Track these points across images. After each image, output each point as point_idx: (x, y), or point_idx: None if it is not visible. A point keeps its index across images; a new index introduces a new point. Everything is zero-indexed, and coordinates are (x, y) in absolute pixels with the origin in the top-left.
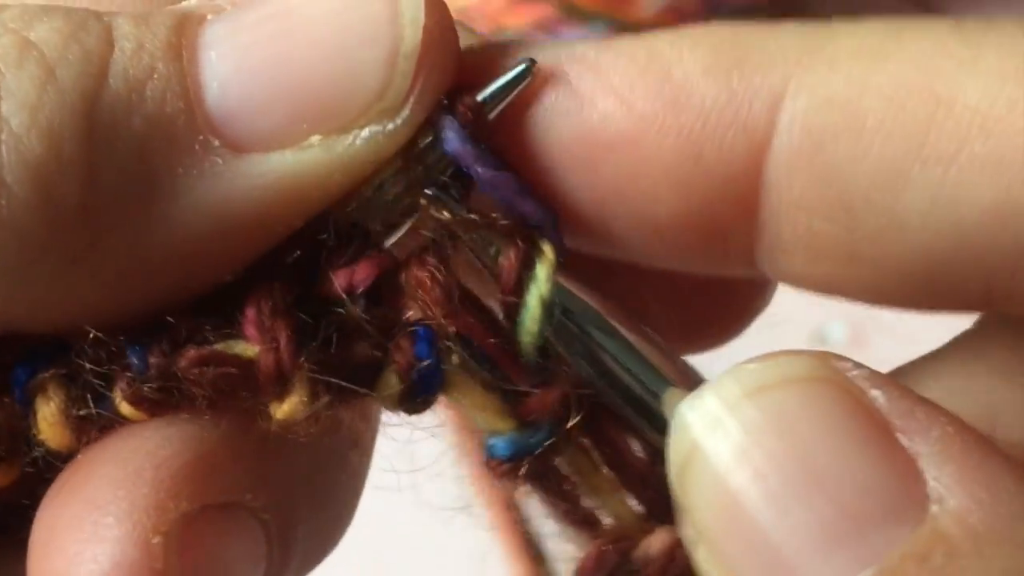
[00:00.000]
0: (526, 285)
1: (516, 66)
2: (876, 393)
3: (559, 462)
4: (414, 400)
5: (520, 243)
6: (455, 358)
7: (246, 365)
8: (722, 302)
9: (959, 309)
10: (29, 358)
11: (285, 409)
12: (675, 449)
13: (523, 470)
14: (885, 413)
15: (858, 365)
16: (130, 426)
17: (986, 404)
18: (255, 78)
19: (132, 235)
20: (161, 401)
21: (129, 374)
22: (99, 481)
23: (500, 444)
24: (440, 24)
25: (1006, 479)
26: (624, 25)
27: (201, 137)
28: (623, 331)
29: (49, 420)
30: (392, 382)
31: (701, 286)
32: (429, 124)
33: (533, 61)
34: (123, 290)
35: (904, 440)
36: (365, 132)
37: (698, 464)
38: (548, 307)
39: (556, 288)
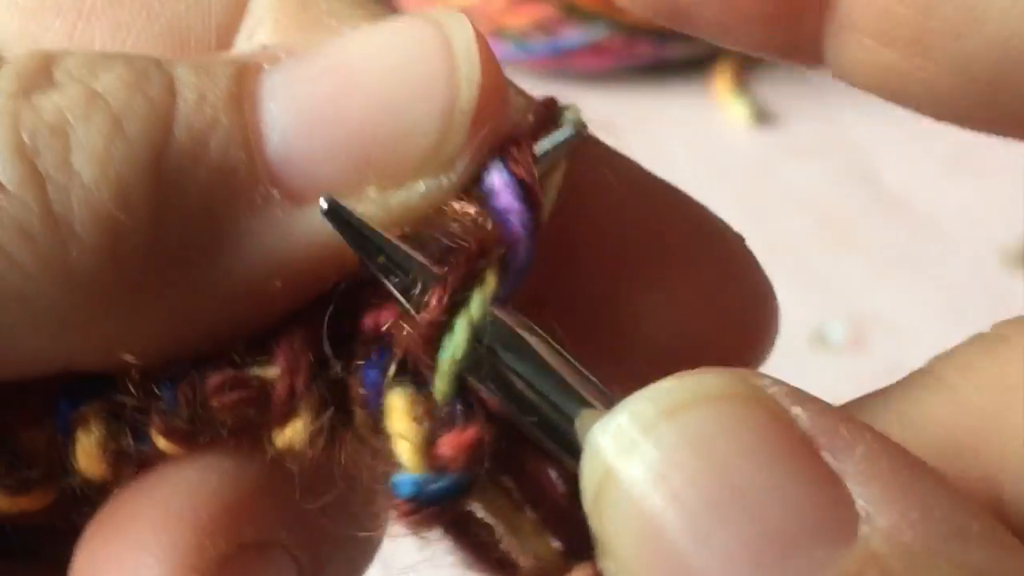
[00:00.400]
0: (457, 310)
1: (565, 128)
2: (797, 410)
3: (475, 506)
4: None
5: (463, 269)
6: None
7: (263, 387)
8: (729, 337)
9: (1013, 132)
10: (74, 391)
11: (286, 434)
12: (588, 475)
13: (429, 514)
14: (807, 430)
15: (777, 382)
16: (169, 464)
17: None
18: (314, 130)
19: (192, 283)
20: (192, 432)
21: (162, 407)
22: (141, 521)
23: (404, 484)
24: (494, 82)
25: (937, 495)
26: (624, 25)
27: (261, 188)
28: (536, 349)
29: (88, 452)
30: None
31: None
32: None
33: (583, 125)
34: (177, 333)
35: (828, 458)
36: (420, 186)
37: (612, 490)
38: (475, 333)
39: (490, 318)
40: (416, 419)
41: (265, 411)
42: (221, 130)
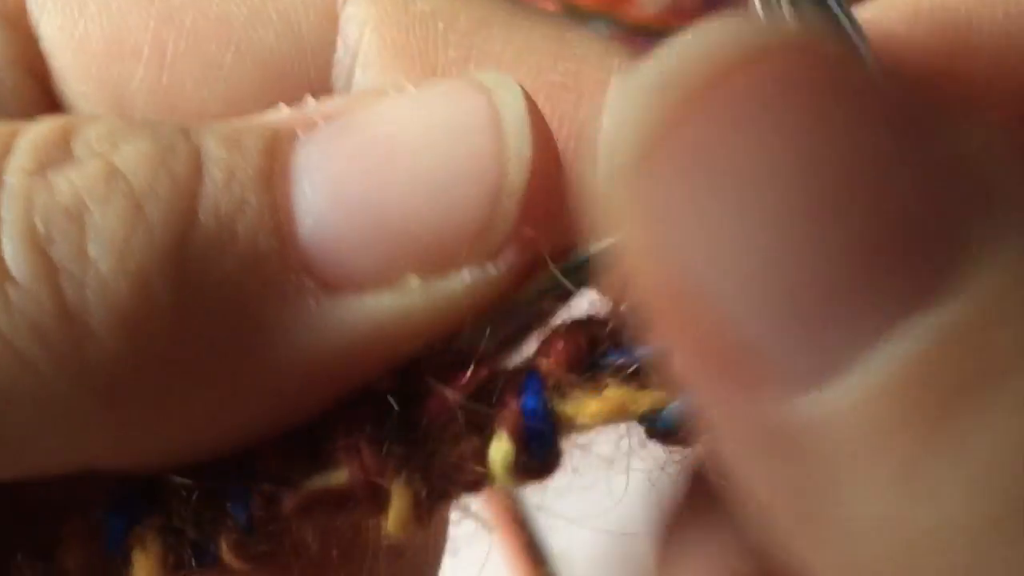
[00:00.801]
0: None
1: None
2: (890, 79)
3: None
4: (534, 458)
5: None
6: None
7: (344, 493)
8: None
9: None
10: (122, 504)
11: (392, 520)
12: (635, 119)
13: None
14: (914, 106)
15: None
16: None
17: None
18: (351, 213)
19: (219, 381)
20: (271, 553)
21: (232, 525)
22: None
23: (663, 418)
24: (546, 160)
25: None
26: (625, 25)
27: (293, 277)
28: None
29: (147, 573)
30: (502, 451)
31: None
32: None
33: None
34: (209, 433)
35: (949, 139)
36: (466, 275)
37: (681, 142)
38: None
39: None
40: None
41: (355, 512)
42: (250, 213)
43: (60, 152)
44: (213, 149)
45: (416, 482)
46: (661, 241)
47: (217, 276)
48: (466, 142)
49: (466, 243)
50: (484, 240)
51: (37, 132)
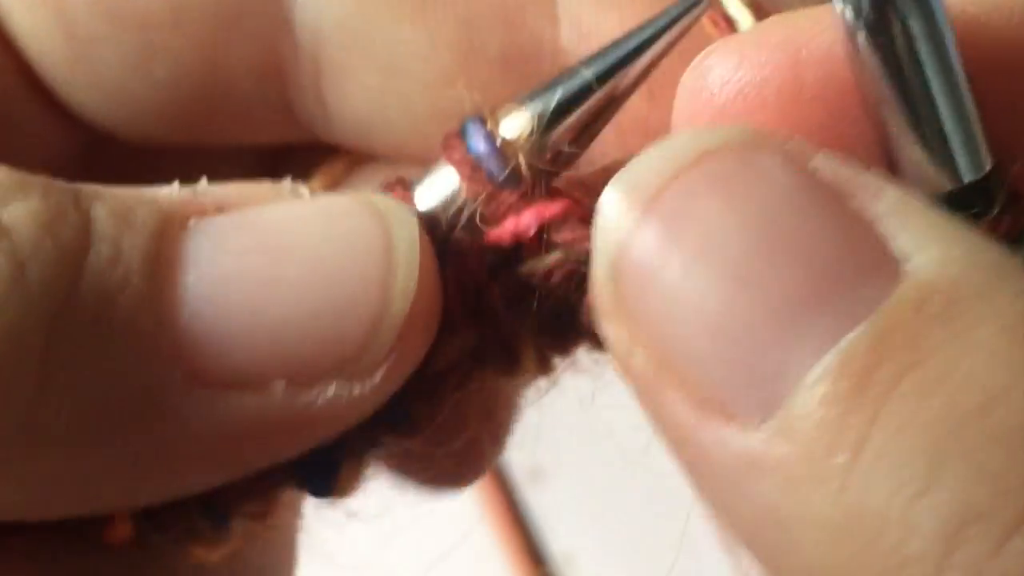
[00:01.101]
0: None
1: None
2: (819, 160)
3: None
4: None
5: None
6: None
7: (471, 357)
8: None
9: None
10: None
11: (522, 379)
12: (602, 246)
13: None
14: (832, 180)
15: (789, 137)
16: None
17: None
18: (229, 313)
19: (82, 449)
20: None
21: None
22: None
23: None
24: (428, 298)
25: (973, 237)
26: None
27: (164, 363)
28: None
29: (351, 487)
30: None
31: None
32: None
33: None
34: (80, 496)
35: (858, 203)
36: (330, 391)
37: (635, 249)
38: None
39: None
40: None
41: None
42: (132, 294)
43: None
44: (103, 221)
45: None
46: (641, 324)
47: (89, 349)
48: (356, 265)
49: (339, 361)
50: (357, 362)
51: None
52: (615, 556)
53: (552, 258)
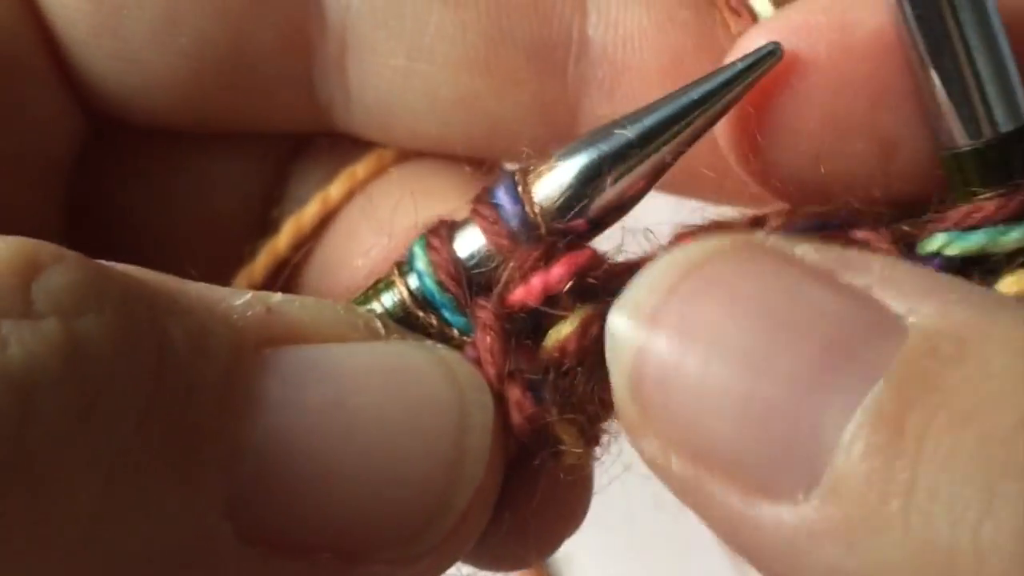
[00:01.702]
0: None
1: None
2: (801, 248)
3: None
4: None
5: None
6: None
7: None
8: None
9: None
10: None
11: (571, 459)
12: (617, 364)
13: None
14: (818, 263)
15: (770, 233)
16: None
17: None
18: (294, 475)
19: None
20: None
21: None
22: None
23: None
24: (491, 486)
25: (963, 287)
26: None
27: (220, 512)
28: None
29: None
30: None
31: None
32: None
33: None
34: None
35: (848, 277)
36: (375, 570)
37: (650, 365)
38: None
39: None
40: None
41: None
42: (199, 435)
43: (18, 300)
44: (177, 344)
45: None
46: (670, 430)
47: (150, 492)
48: (427, 444)
49: (392, 544)
50: (409, 546)
51: (2, 256)
52: (615, 556)
53: (565, 329)
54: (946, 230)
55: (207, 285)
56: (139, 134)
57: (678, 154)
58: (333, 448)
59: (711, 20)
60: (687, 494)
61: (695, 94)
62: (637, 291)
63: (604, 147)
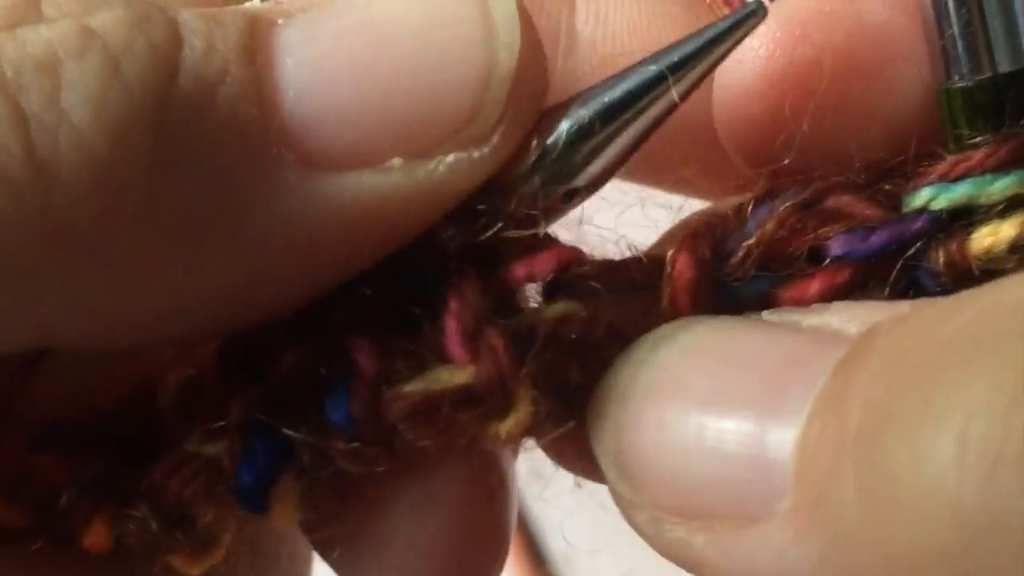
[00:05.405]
0: None
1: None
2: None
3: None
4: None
5: None
6: None
7: (464, 393)
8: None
9: None
10: (249, 463)
11: (509, 426)
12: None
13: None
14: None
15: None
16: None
17: None
18: (335, 91)
19: (196, 247)
20: (384, 455)
21: (341, 440)
22: None
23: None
24: (534, 50)
25: (920, 305)
26: None
27: (274, 150)
28: None
29: (288, 516)
30: None
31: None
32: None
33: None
34: (185, 306)
35: (806, 321)
36: (450, 158)
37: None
38: None
39: None
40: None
41: (473, 413)
42: (231, 83)
43: (30, 12)
44: (192, 22)
45: (540, 392)
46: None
47: (196, 139)
48: (455, 28)
49: (453, 127)
50: (473, 124)
51: None
52: (615, 556)
53: (560, 308)
54: (931, 184)
55: None
56: None
57: (653, 128)
58: (364, 59)
59: (701, 16)
60: (665, 548)
61: (676, 55)
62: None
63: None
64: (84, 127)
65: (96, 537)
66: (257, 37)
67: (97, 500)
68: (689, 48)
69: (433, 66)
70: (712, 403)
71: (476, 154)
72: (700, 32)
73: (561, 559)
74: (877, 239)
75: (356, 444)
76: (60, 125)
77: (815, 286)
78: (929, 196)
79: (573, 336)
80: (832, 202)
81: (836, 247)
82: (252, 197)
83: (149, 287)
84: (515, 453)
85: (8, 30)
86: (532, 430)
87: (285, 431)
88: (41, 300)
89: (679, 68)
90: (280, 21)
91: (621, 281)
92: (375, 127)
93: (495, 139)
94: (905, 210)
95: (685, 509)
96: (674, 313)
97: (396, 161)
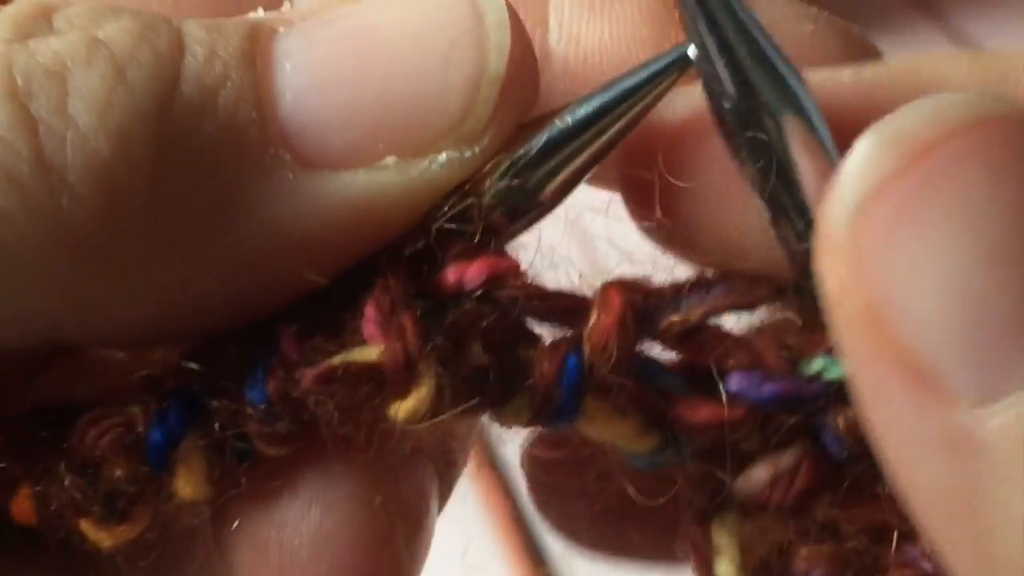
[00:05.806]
0: None
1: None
2: None
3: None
4: (546, 421)
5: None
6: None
7: (371, 370)
8: None
9: None
10: (160, 420)
11: (409, 406)
12: (857, 176)
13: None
14: None
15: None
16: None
17: None
18: (331, 93)
19: (196, 246)
20: (295, 434)
21: (257, 417)
22: None
23: (641, 462)
24: (524, 52)
25: None
26: None
27: (272, 150)
28: None
29: (192, 484)
30: (523, 400)
31: None
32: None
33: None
34: (178, 302)
35: None
36: (442, 157)
37: (890, 197)
38: None
39: None
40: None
41: (378, 390)
42: (231, 87)
43: (41, 25)
44: (195, 31)
45: (443, 372)
46: (869, 272)
47: (197, 142)
48: (447, 30)
49: (446, 127)
50: (463, 124)
51: (15, 8)
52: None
53: (482, 310)
54: (824, 354)
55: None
56: None
57: (609, 145)
58: (359, 63)
59: (673, 37)
60: (842, 336)
61: (616, 90)
62: (910, 118)
63: (539, 137)
64: (90, 131)
65: (20, 505)
66: (258, 44)
67: (24, 468)
68: (605, 100)
69: (426, 68)
70: (997, 263)
71: (468, 153)
72: (618, 80)
73: (561, 559)
74: (770, 390)
75: (267, 415)
76: (67, 130)
77: (704, 414)
78: (821, 366)
79: (484, 325)
80: (747, 333)
81: (733, 383)
82: (251, 196)
83: (152, 284)
84: (451, 483)
85: (20, 41)
86: (434, 411)
87: (201, 397)
88: (49, 297)
89: (590, 125)
90: (281, 29)
91: (547, 309)
92: (370, 127)
93: (485, 139)
94: (803, 370)
95: (880, 322)
96: (598, 336)
97: (390, 160)
